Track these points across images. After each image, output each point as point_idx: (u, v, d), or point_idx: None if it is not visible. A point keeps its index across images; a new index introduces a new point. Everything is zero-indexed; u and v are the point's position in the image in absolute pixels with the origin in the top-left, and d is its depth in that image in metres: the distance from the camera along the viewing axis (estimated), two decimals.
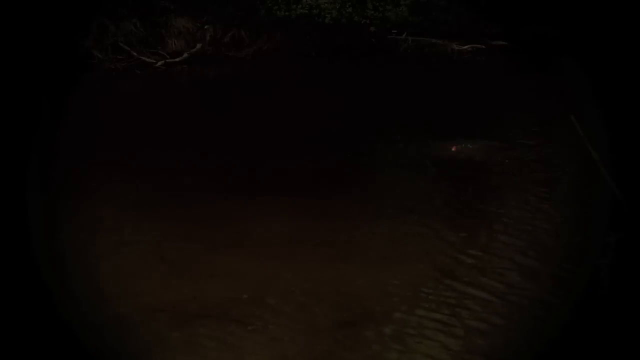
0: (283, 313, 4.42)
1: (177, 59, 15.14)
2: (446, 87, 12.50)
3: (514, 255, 5.27)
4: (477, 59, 16.48)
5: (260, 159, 7.95)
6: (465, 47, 17.03)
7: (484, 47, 17.12)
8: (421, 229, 5.82)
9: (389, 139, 8.80)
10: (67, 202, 6.36)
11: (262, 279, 4.89)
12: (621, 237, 5.23)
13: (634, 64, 5.43)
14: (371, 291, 4.70)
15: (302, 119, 9.92)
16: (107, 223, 5.98)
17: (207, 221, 5.97)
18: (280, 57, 15.19)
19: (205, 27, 15.78)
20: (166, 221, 5.93)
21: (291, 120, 9.80)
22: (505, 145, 8.61)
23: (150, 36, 14.56)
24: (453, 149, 7.40)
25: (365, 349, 4.06)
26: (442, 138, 8.57)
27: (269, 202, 6.16)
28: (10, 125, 4.97)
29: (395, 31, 16.94)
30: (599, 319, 4.19)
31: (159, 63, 14.74)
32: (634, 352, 3.79)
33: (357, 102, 11.20)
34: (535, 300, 4.61)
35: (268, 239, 5.52)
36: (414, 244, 5.55)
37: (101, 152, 8.22)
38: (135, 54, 14.63)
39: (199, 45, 15.59)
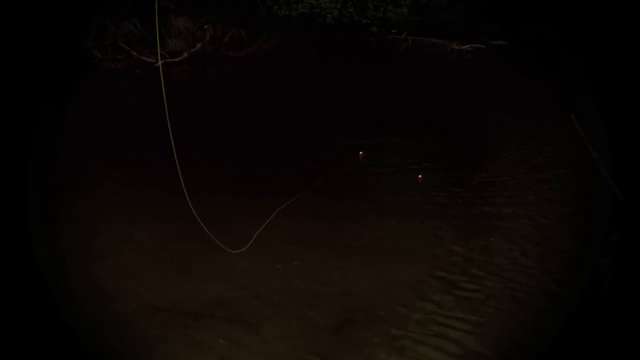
0: (284, 312, 4.42)
1: (177, 59, 15.16)
2: (446, 87, 12.50)
3: (515, 255, 5.27)
4: (477, 58, 16.50)
5: (261, 159, 7.95)
6: (465, 47, 17.05)
7: (484, 47, 17.14)
8: (422, 229, 5.82)
9: (388, 140, 8.81)
10: (67, 202, 6.36)
11: (263, 278, 4.89)
12: (622, 236, 5.24)
13: (634, 64, 5.43)
14: (372, 291, 4.71)
15: (302, 118, 9.92)
16: (107, 223, 5.98)
17: (208, 221, 5.97)
18: (280, 57, 15.20)
19: (205, 27, 15.79)
20: (166, 221, 5.92)
21: (291, 120, 9.80)
22: (505, 145, 8.62)
23: (150, 36, 14.56)
24: (419, 177, 7.21)
25: (367, 348, 4.06)
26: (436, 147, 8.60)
27: (270, 202, 6.16)
28: (10, 125, 4.98)
29: (395, 31, 16.96)
30: (600, 317, 4.20)
31: (159, 63, 14.77)
32: (634, 350, 3.79)
33: (357, 102, 11.21)
34: (537, 298, 4.61)
35: (269, 239, 5.52)
36: (415, 243, 5.55)
37: (101, 152, 8.23)
38: (135, 54, 14.65)
39: (199, 45, 15.60)
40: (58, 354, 3.88)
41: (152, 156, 8.16)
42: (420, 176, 7.16)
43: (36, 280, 4.43)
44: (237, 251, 4.96)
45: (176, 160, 4.69)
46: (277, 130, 9.31)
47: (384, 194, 6.72)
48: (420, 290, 4.72)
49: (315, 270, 5.02)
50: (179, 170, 4.70)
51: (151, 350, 4.05)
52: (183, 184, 4.74)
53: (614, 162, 5.53)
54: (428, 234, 5.70)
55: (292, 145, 8.45)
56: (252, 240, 5.12)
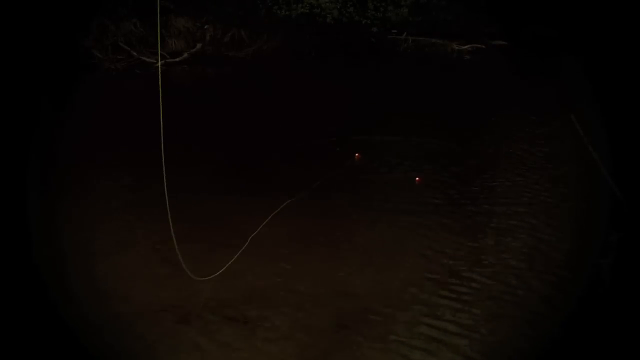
0: (282, 313, 4.43)
1: (177, 59, 15.16)
2: (446, 87, 12.50)
3: (514, 256, 5.27)
4: (477, 59, 16.48)
5: (260, 160, 7.95)
6: (465, 47, 17.04)
7: (484, 47, 17.13)
8: (420, 229, 5.82)
9: (387, 140, 8.82)
10: (66, 203, 6.36)
11: (262, 279, 4.89)
12: (622, 236, 5.24)
13: (634, 64, 5.44)
14: (368, 293, 4.71)
15: (302, 119, 9.91)
16: (107, 223, 5.98)
17: (208, 221, 5.98)
18: (281, 57, 15.19)
19: (205, 27, 15.79)
20: (166, 221, 5.91)
21: (291, 121, 9.80)
22: (504, 145, 8.63)
23: (150, 36, 14.55)
24: (417, 179, 7.19)
25: (364, 348, 4.06)
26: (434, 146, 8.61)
27: (269, 203, 6.16)
28: (10, 125, 4.98)
29: (395, 31, 16.95)
30: (600, 317, 4.20)
31: (159, 63, 14.74)
32: (634, 350, 3.79)
33: (356, 102, 11.20)
34: (537, 297, 4.61)
35: (268, 239, 5.52)
36: (411, 245, 5.54)
37: (101, 152, 8.22)
38: (135, 54, 14.64)
39: (199, 46, 15.59)
40: (58, 354, 3.88)
41: (152, 157, 8.17)
42: (418, 179, 7.15)
43: (36, 281, 4.43)
44: (205, 278, 4.73)
45: (163, 164, 4.65)
46: (276, 130, 9.31)
47: (382, 196, 6.71)
48: (416, 292, 4.71)
49: (311, 272, 5.02)
50: (164, 174, 4.68)
51: (150, 350, 4.06)
52: (165, 188, 4.70)
53: (614, 162, 5.53)
54: (425, 236, 5.70)
55: (292, 146, 8.45)
56: (224, 268, 4.89)
